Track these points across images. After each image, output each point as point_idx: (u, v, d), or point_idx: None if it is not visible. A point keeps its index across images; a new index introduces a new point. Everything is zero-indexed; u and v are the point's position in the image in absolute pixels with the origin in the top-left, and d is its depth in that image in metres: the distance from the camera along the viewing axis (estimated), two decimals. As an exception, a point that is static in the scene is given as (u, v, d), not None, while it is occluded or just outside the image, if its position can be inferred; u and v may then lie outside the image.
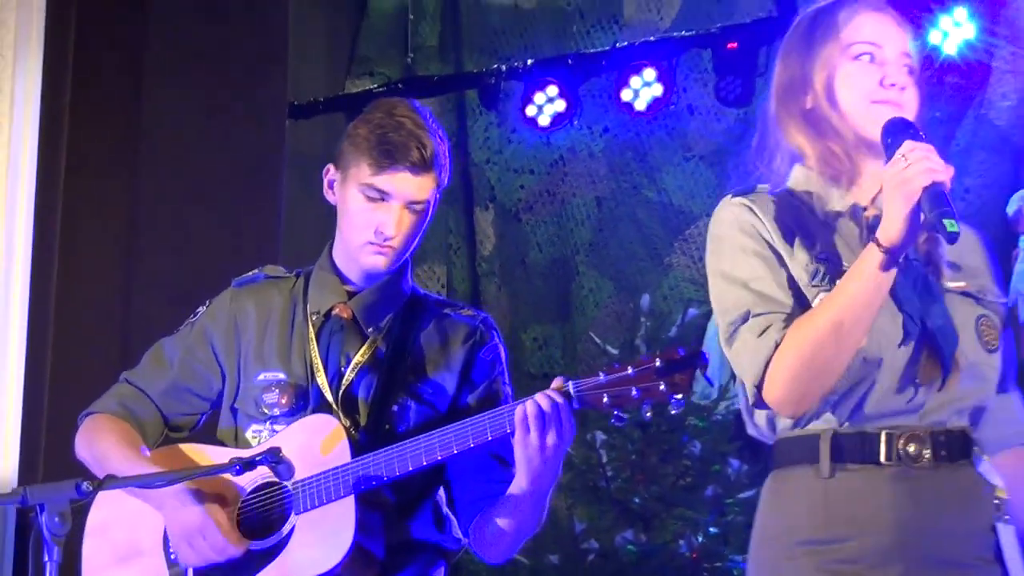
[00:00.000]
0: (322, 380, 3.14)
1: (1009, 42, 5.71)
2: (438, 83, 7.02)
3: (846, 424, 2.55)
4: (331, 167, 3.21)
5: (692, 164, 6.75)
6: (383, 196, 3.10)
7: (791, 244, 2.59)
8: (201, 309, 3.33)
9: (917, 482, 2.53)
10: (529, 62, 6.60)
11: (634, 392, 2.79)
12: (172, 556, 3.11)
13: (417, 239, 3.19)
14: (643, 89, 6.31)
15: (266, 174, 6.04)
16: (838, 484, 2.53)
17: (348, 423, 3.09)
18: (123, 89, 5.83)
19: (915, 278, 2.56)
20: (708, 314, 6.10)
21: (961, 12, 5.64)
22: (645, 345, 6.39)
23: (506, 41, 7.07)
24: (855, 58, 2.63)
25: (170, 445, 3.30)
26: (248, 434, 3.17)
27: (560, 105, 6.50)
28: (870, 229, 2.56)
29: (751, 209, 2.63)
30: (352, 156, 3.14)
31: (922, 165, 2.42)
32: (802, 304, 2.55)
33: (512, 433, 2.88)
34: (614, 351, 6.50)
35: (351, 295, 3.20)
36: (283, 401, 3.15)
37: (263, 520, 3.07)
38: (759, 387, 2.54)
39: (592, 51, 6.66)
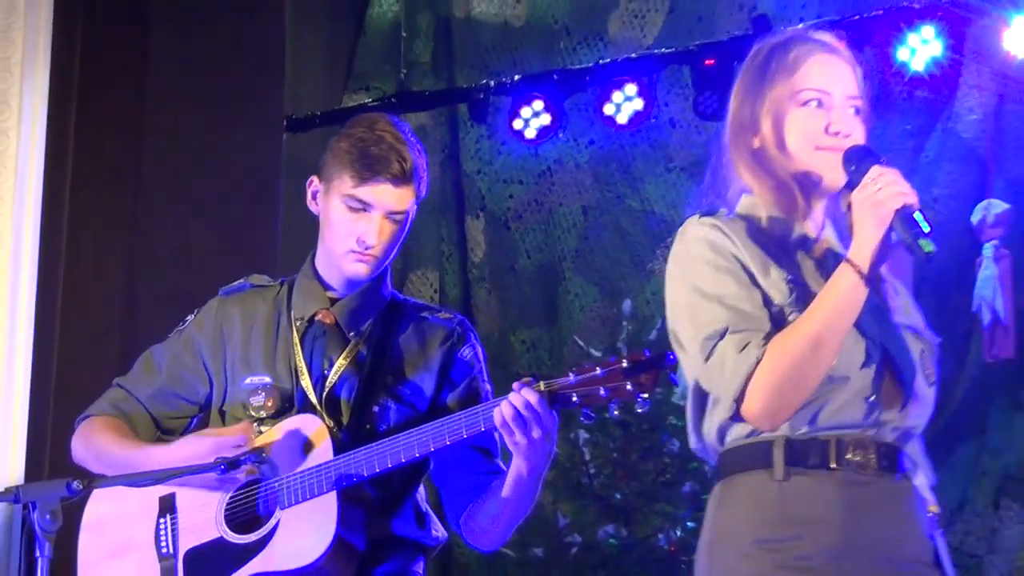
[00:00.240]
0: (306, 383, 3.19)
1: (974, 59, 5.77)
2: (430, 98, 6.95)
3: (799, 432, 2.57)
4: (315, 179, 3.25)
5: (674, 175, 6.68)
6: (365, 207, 3.15)
7: (765, 265, 2.60)
8: (189, 317, 3.38)
9: (864, 487, 2.57)
10: (516, 78, 6.56)
11: (602, 391, 2.84)
12: (163, 550, 3.17)
13: (397, 247, 3.22)
14: (624, 103, 6.27)
15: (265, 186, 6.02)
16: (791, 486, 2.56)
17: (332, 423, 3.14)
18: (126, 105, 5.84)
19: (871, 308, 2.57)
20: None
21: (928, 30, 5.62)
22: (627, 348, 6.28)
23: (496, 57, 6.99)
24: (803, 104, 2.63)
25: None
26: (236, 436, 3.19)
27: (545, 119, 6.44)
28: (818, 263, 2.63)
29: (720, 229, 2.63)
30: (335, 168, 3.19)
31: (893, 188, 2.47)
32: (776, 324, 2.56)
33: (486, 431, 2.95)
34: (597, 353, 6.44)
35: (333, 301, 3.25)
36: (269, 404, 3.20)
37: (250, 516, 3.12)
38: (739, 401, 2.54)
39: (576, 67, 6.60)
